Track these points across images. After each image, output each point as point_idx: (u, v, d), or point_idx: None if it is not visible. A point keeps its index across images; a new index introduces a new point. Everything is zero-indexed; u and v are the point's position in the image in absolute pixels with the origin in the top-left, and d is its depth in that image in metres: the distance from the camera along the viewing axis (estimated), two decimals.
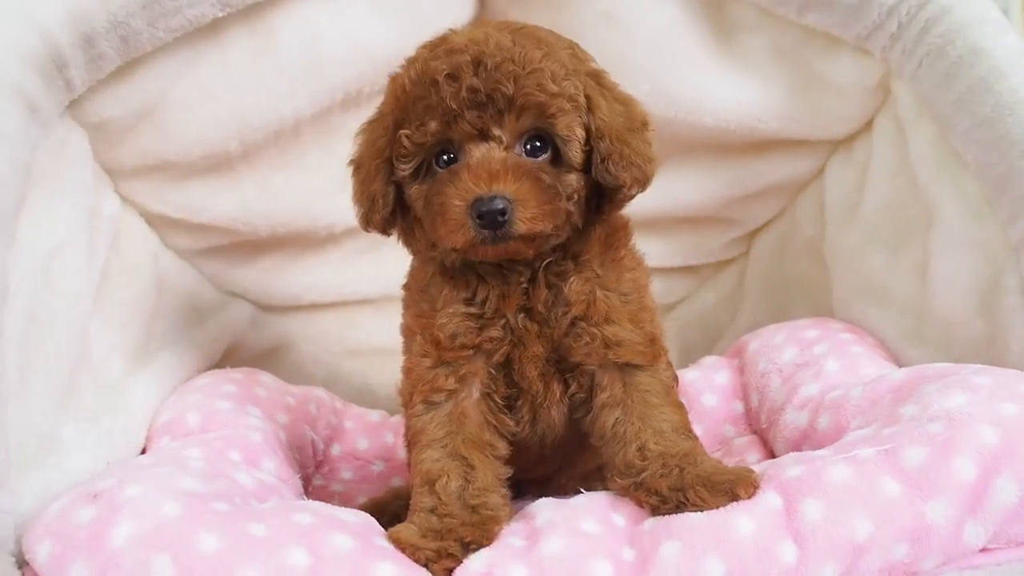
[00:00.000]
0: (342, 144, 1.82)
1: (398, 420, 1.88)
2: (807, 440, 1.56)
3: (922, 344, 1.69)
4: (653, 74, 1.84)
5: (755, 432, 1.77)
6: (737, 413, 1.82)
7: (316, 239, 1.97)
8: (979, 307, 1.59)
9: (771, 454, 1.68)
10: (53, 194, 1.45)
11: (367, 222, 1.32)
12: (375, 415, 1.95)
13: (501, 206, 1.17)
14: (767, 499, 1.18)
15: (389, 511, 1.52)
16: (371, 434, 1.88)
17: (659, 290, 2.17)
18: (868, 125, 1.87)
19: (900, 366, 1.70)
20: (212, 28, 1.65)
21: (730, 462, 1.67)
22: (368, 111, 1.82)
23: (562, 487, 1.58)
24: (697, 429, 1.78)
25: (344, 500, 1.69)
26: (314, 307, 2.07)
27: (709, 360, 1.92)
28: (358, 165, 1.34)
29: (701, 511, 1.18)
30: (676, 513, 1.19)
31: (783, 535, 1.13)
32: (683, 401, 1.74)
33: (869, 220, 1.83)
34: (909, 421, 1.25)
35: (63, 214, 1.47)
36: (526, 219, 1.18)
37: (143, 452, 1.54)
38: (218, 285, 1.97)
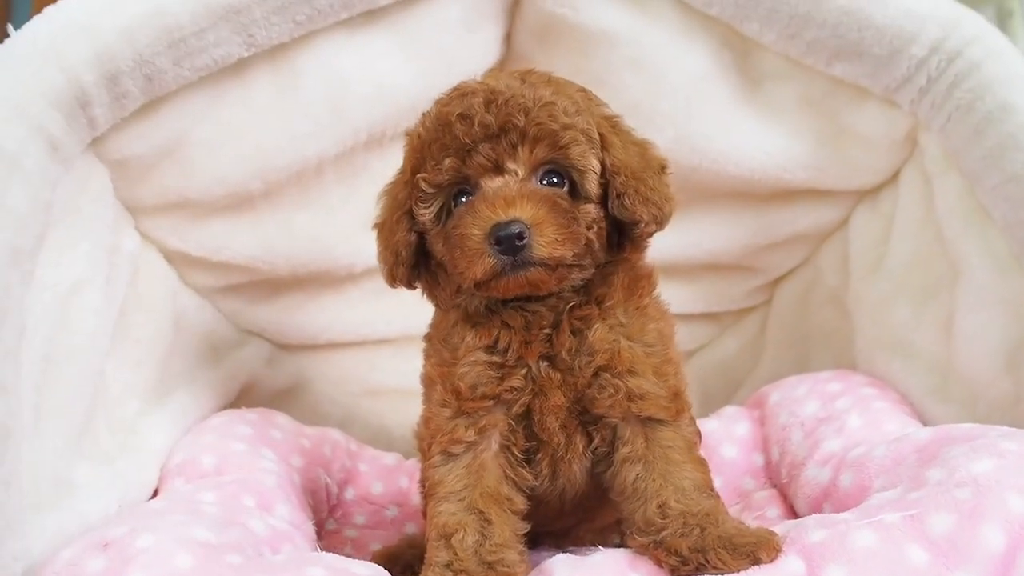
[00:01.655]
0: (364, 184, 1.85)
1: (413, 464, 1.86)
2: (828, 498, 1.54)
3: (947, 401, 1.66)
4: (678, 121, 1.83)
5: (775, 486, 1.74)
6: (757, 466, 1.79)
7: (336, 278, 1.96)
8: (1005, 366, 1.57)
9: (791, 509, 1.66)
10: (73, 231, 1.45)
11: (393, 277, 1.32)
12: (390, 458, 1.93)
13: (518, 229, 1.16)
14: (789, 564, 1.15)
15: (402, 561, 1.50)
16: (385, 478, 1.86)
17: (680, 336, 2.11)
18: (894, 176, 1.86)
19: (924, 423, 1.68)
20: (237, 67, 1.65)
21: (749, 516, 1.67)
22: (391, 152, 1.85)
23: (580, 539, 1.57)
24: (716, 481, 1.75)
25: (357, 546, 1.68)
26: (332, 346, 2.06)
27: (729, 410, 1.89)
28: (381, 225, 1.35)
29: (722, 574, 1.15)
30: (696, 574, 1.17)
31: None
32: (703, 452, 1.75)
33: (894, 273, 1.81)
34: (935, 486, 1.22)
35: (82, 252, 1.46)
36: (545, 243, 1.18)
37: (155, 493, 1.52)
38: (236, 323, 1.96)
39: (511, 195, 1.19)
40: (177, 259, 1.81)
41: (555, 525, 1.50)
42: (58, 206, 1.41)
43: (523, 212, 1.17)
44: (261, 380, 1.99)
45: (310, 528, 1.51)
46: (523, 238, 1.16)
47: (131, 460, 1.50)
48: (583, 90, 1.32)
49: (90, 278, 1.47)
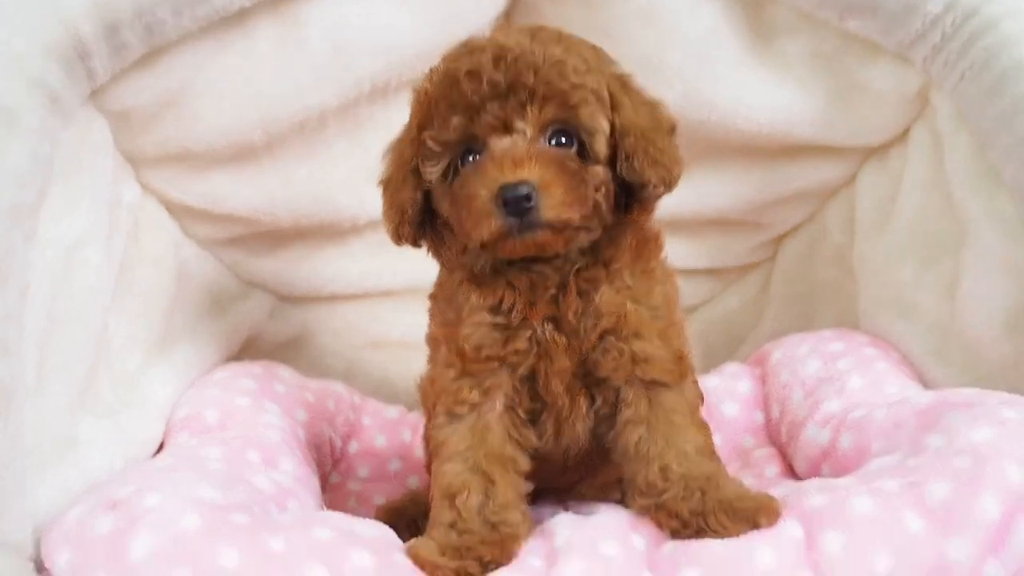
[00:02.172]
0: (368, 136, 1.84)
1: (416, 417, 1.88)
2: (827, 459, 1.55)
3: (947, 364, 1.67)
4: (687, 75, 1.81)
5: (774, 444, 1.76)
6: (757, 424, 1.81)
7: (339, 231, 1.95)
8: (1008, 329, 1.57)
9: (790, 468, 1.67)
10: (74, 187, 1.44)
11: (398, 235, 1.31)
12: (393, 411, 1.94)
13: (526, 191, 1.15)
14: (788, 529, 1.17)
15: (407, 516, 1.52)
16: (389, 431, 1.87)
17: (683, 292, 2.13)
18: (904, 134, 1.84)
19: (925, 385, 1.69)
20: (239, 17, 1.63)
21: (748, 475, 1.68)
22: (396, 104, 1.83)
23: (582, 495, 1.58)
24: (716, 438, 1.76)
25: (361, 500, 1.70)
26: (335, 299, 2.06)
27: (731, 367, 1.90)
28: (387, 183, 1.33)
29: (721, 538, 1.17)
30: (696, 538, 1.18)
31: (803, 567, 1.12)
32: (704, 411, 1.76)
33: (900, 232, 1.81)
34: (935, 453, 1.24)
35: (84, 207, 1.45)
36: (553, 205, 1.17)
37: (160, 447, 1.54)
38: (238, 275, 1.96)
39: (519, 156, 1.18)
40: (179, 211, 1.80)
41: (558, 482, 1.51)
42: (59, 161, 1.39)
43: (531, 173, 1.16)
44: (264, 332, 2.00)
45: (315, 483, 1.52)
46: (531, 200, 1.16)
47: (134, 415, 1.51)
48: (594, 48, 1.29)
49: (92, 234, 1.46)
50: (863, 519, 1.15)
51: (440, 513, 1.25)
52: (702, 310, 2.23)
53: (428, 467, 1.40)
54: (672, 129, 1.30)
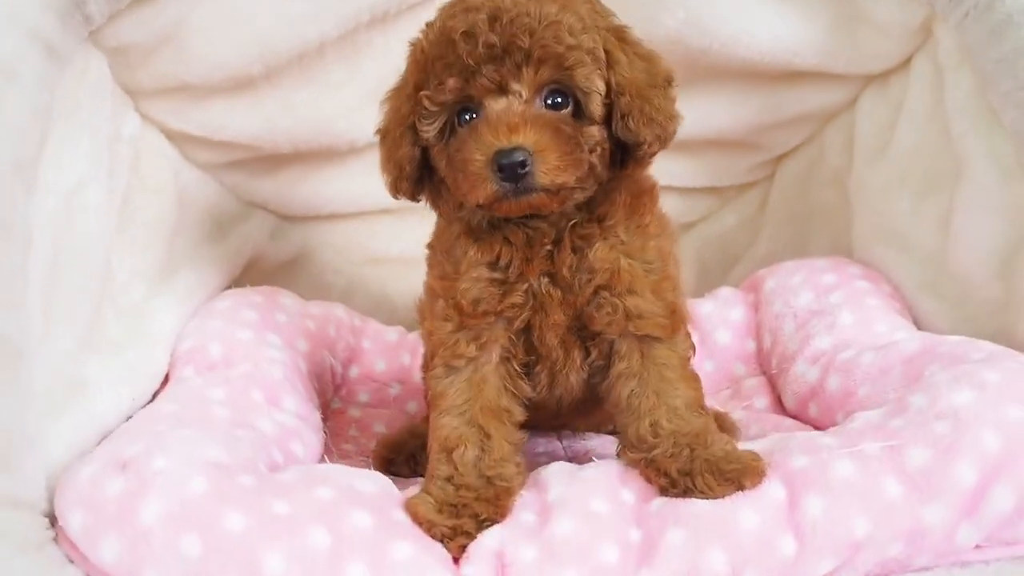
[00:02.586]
0: (367, 61, 1.82)
1: (414, 338, 1.91)
2: (815, 397, 1.61)
3: (937, 297, 1.70)
4: (689, 3, 1.78)
5: (765, 374, 1.81)
6: (749, 352, 1.85)
7: (338, 152, 1.95)
8: (998, 270, 1.59)
9: (778, 400, 1.73)
10: (73, 128, 1.43)
11: (396, 189, 1.32)
12: (393, 333, 1.97)
13: (521, 158, 1.16)
14: (771, 490, 1.22)
15: (405, 450, 1.58)
16: (388, 355, 1.91)
17: (681, 208, 2.18)
18: (906, 63, 1.82)
19: (914, 318, 1.72)
20: None
21: (738, 406, 1.74)
22: (394, 29, 1.81)
23: (575, 429, 1.64)
24: (708, 365, 1.84)
25: (361, 427, 1.75)
26: (334, 217, 2.07)
27: (725, 292, 1.93)
28: (384, 133, 1.33)
29: (708, 499, 1.22)
30: (684, 497, 1.23)
31: (784, 529, 1.18)
32: (697, 333, 1.80)
33: (898, 162, 1.81)
34: (916, 414, 1.28)
35: (83, 149, 1.45)
36: (548, 170, 1.18)
37: (166, 379, 1.58)
38: (239, 196, 1.97)
39: (514, 121, 1.18)
40: (178, 138, 1.79)
41: (552, 424, 1.57)
42: (57, 103, 1.38)
43: (526, 138, 1.17)
44: (265, 253, 2.02)
45: (316, 417, 1.57)
46: (525, 166, 1.16)
47: (140, 349, 1.54)
48: (591, 2, 1.27)
49: (92, 174, 1.47)
50: (843, 483, 1.20)
51: (438, 467, 1.30)
52: (700, 226, 2.25)
53: (426, 395, 1.44)
54: (669, 81, 1.29)
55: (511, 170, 1.16)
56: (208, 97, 1.74)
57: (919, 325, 1.71)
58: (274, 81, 1.77)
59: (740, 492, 1.22)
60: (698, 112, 1.94)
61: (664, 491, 1.26)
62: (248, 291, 1.79)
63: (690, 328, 1.78)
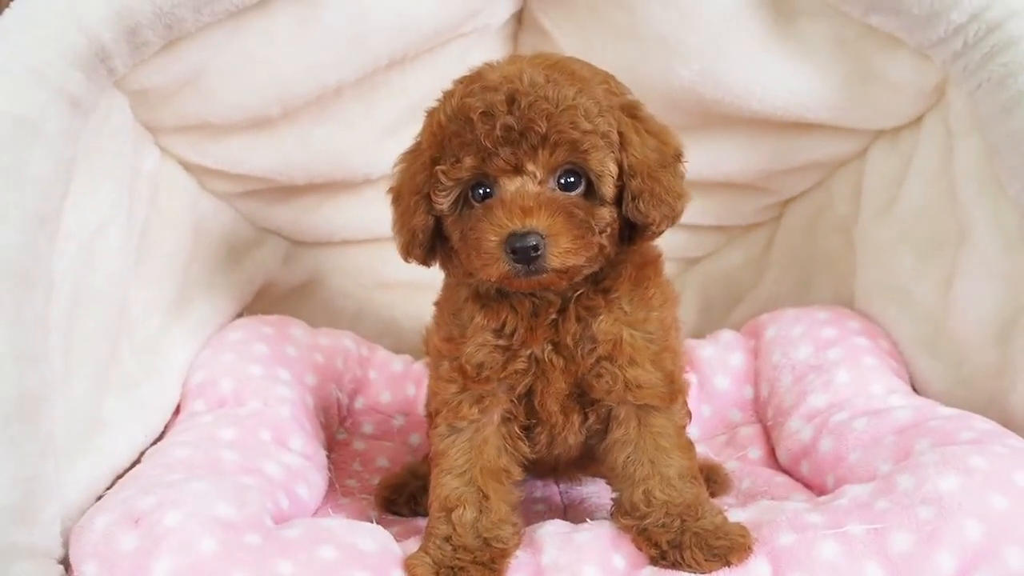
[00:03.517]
0: (384, 98, 1.86)
1: (420, 368, 1.95)
2: (807, 456, 1.65)
3: (935, 357, 1.73)
4: (705, 56, 1.79)
5: (760, 422, 1.85)
6: (746, 399, 1.89)
7: (353, 184, 1.98)
8: (995, 337, 1.62)
9: (772, 452, 1.77)
10: (95, 173, 1.47)
11: (407, 253, 1.35)
12: (399, 363, 2.01)
13: (534, 242, 1.19)
14: (757, 567, 1.25)
15: (406, 492, 1.62)
16: (394, 386, 1.95)
17: (686, 244, 2.22)
18: (918, 120, 1.83)
19: (910, 374, 1.76)
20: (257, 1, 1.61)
21: (732, 455, 1.78)
22: (412, 70, 1.83)
23: (573, 477, 1.68)
24: (706, 410, 1.88)
25: (364, 460, 1.80)
26: (347, 243, 2.11)
27: (726, 337, 1.96)
28: (397, 196, 1.36)
29: (695, 574, 1.26)
30: (672, 569, 1.28)
31: None
32: (696, 376, 1.84)
33: (903, 218, 1.84)
34: (902, 496, 1.31)
35: (105, 193, 1.49)
36: (559, 253, 1.21)
37: (177, 410, 1.63)
38: (254, 222, 2.01)
39: (528, 204, 1.21)
40: (196, 169, 1.83)
41: (550, 476, 1.61)
42: (81, 152, 1.42)
43: (539, 222, 1.20)
44: (277, 278, 2.05)
45: (322, 457, 1.63)
46: (538, 249, 1.20)
47: (153, 384, 1.59)
48: (606, 80, 1.30)
49: (112, 216, 1.51)
50: (827, 565, 1.24)
51: (437, 525, 1.34)
52: (704, 263, 2.28)
53: (428, 429, 1.48)
54: (678, 158, 1.32)
55: (524, 253, 1.20)
56: (227, 134, 1.78)
57: (915, 382, 1.75)
58: (292, 119, 1.80)
59: (726, 568, 1.26)
60: (708, 156, 1.99)
61: (654, 561, 1.30)
62: (259, 321, 1.83)
63: (690, 371, 1.84)
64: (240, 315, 1.88)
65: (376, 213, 2.03)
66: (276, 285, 2.06)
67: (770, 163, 2.00)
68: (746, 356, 1.92)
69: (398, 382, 1.96)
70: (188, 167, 1.82)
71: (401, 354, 2.05)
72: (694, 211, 2.08)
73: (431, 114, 1.31)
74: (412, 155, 1.36)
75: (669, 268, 1.58)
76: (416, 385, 1.94)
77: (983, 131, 1.63)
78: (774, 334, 1.87)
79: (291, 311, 1.95)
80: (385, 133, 1.83)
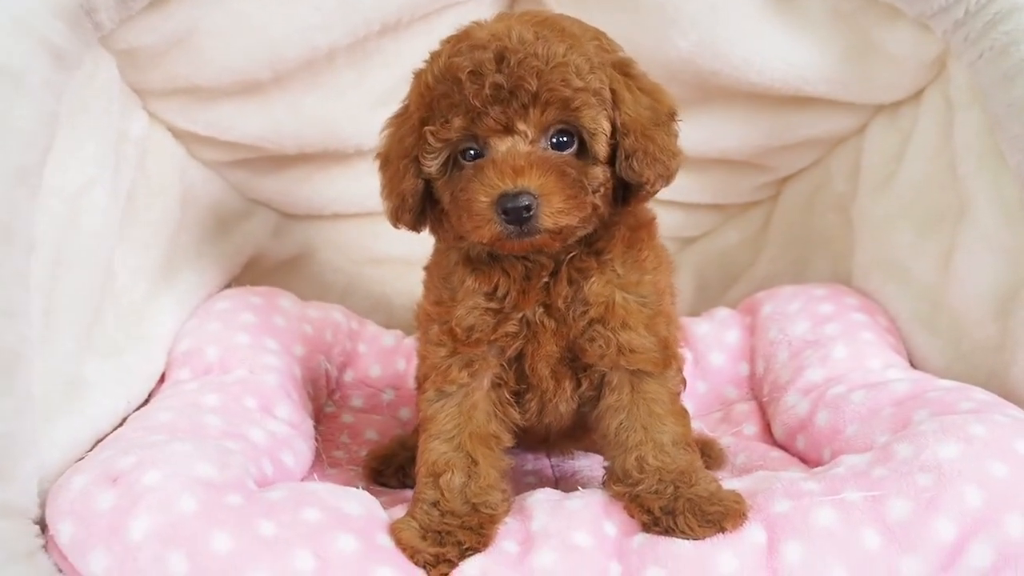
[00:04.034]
0: (377, 67, 1.83)
1: (411, 344, 1.92)
2: (803, 430, 1.62)
3: (933, 333, 1.70)
4: (703, 25, 1.77)
5: (756, 399, 1.82)
6: (742, 375, 1.86)
7: (344, 155, 1.95)
8: (995, 312, 1.60)
9: (768, 428, 1.74)
10: (80, 132, 1.44)
11: (396, 218, 1.32)
12: (389, 337, 1.98)
13: (526, 202, 1.17)
14: (752, 534, 1.23)
15: (395, 463, 1.60)
16: (384, 360, 1.92)
17: (683, 223, 2.19)
18: (918, 95, 1.81)
19: (908, 351, 1.73)
20: None
21: (727, 431, 1.75)
22: (406, 37, 1.80)
23: (565, 450, 1.65)
24: (701, 387, 1.86)
25: (353, 433, 1.77)
26: (338, 216, 2.08)
27: (722, 314, 1.94)
28: (385, 161, 1.34)
29: (688, 539, 1.23)
30: (665, 535, 1.25)
31: (762, 574, 1.19)
32: (692, 353, 1.81)
33: (902, 194, 1.81)
34: (900, 464, 1.28)
35: (89, 152, 1.46)
36: (552, 213, 1.18)
37: (162, 379, 1.60)
38: (243, 193, 1.98)
39: (520, 163, 1.18)
40: (185, 136, 1.80)
41: (541, 448, 1.58)
42: (64, 107, 1.39)
43: (532, 182, 1.17)
44: (267, 251, 2.03)
45: (309, 426, 1.60)
46: (531, 209, 1.17)
47: (139, 349, 1.56)
48: (597, 37, 1.27)
49: (97, 176, 1.48)
50: (823, 531, 1.21)
51: (424, 491, 1.31)
52: (701, 242, 2.25)
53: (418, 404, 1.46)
54: (672, 116, 1.29)
55: (516, 213, 1.17)
56: (217, 99, 1.75)
57: (913, 359, 1.72)
58: (283, 85, 1.77)
59: (721, 534, 1.23)
60: (705, 132, 1.96)
61: (646, 528, 1.27)
62: (247, 291, 1.80)
63: (685, 348, 1.81)
64: (228, 286, 1.86)
65: (367, 187, 1.99)
66: (265, 257, 2.03)
67: (768, 139, 1.97)
68: (742, 333, 1.89)
69: (388, 356, 1.93)
70: (177, 134, 1.78)
71: (392, 329, 2.01)
72: (691, 189, 2.10)
73: (418, 75, 1.28)
74: (400, 119, 1.34)
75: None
76: (407, 360, 1.90)
77: (984, 102, 1.60)
78: (771, 311, 1.84)
79: (280, 284, 1.92)
80: (377, 102, 1.80)
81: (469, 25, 1.26)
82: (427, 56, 1.27)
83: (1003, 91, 1.55)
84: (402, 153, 1.29)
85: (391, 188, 1.31)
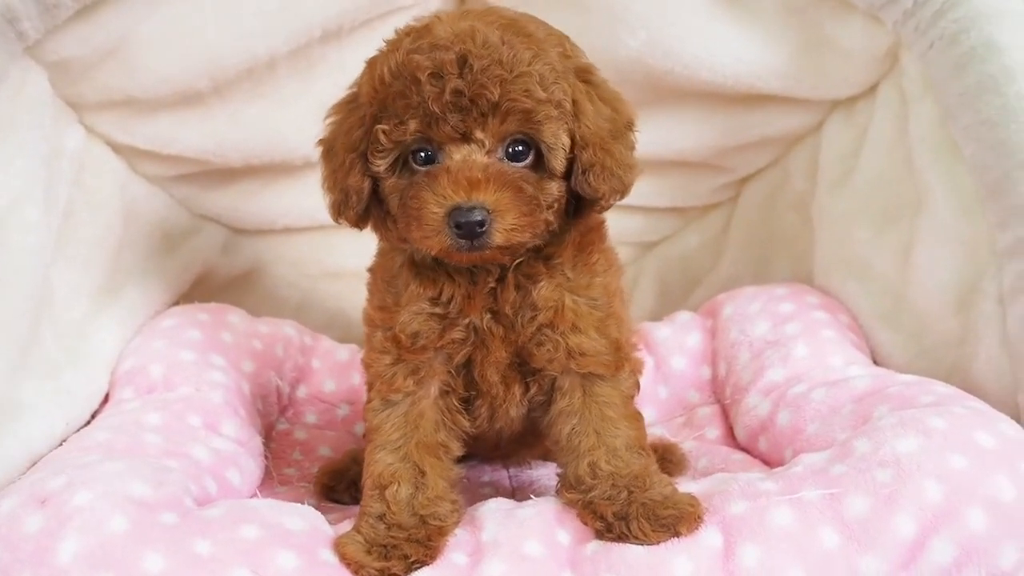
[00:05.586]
0: (321, 76, 1.80)
1: None
2: (765, 432, 1.59)
3: (895, 329, 1.68)
4: (652, 23, 1.75)
5: (719, 401, 1.79)
6: (704, 379, 1.83)
7: (292, 167, 1.92)
8: (955, 305, 1.58)
9: (731, 431, 1.71)
10: (8, 147, 1.41)
11: (338, 214, 1.27)
12: (344, 352, 1.94)
13: (479, 217, 1.13)
14: (708, 537, 1.19)
15: (347, 478, 1.56)
16: (338, 375, 1.88)
17: (643, 227, 2.17)
18: (872, 89, 1.80)
19: (871, 348, 1.71)
20: None
21: (689, 435, 1.72)
22: (349, 44, 1.77)
23: (521, 460, 1.62)
24: (663, 391, 1.83)
25: (305, 450, 1.73)
26: (289, 230, 2.04)
27: (683, 317, 1.91)
28: (329, 150, 1.29)
29: (642, 544, 1.20)
30: (619, 542, 1.21)
31: None
32: (653, 358, 1.78)
33: (860, 190, 1.79)
34: (859, 460, 1.25)
35: (18, 168, 1.42)
36: (504, 230, 1.15)
37: (105, 399, 1.55)
38: (190, 209, 1.94)
39: (476, 176, 1.14)
40: (125, 151, 1.76)
41: (494, 455, 1.54)
42: None
43: (487, 196, 1.14)
44: (216, 268, 1.98)
45: (257, 443, 1.55)
46: (483, 225, 1.13)
47: (79, 369, 1.52)
48: (561, 43, 1.23)
49: (27, 193, 1.44)
50: (780, 532, 1.18)
51: (370, 503, 1.27)
52: (662, 246, 2.22)
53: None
54: (630, 125, 1.27)
55: (468, 228, 1.13)
56: (155, 111, 1.71)
57: (876, 356, 1.70)
58: (224, 95, 1.74)
59: (675, 539, 1.20)
60: (661, 133, 1.93)
61: (600, 535, 1.23)
62: (195, 308, 1.75)
63: (645, 353, 1.78)
64: (177, 304, 1.81)
65: (318, 199, 1.95)
66: (215, 274, 1.99)
67: (724, 139, 1.95)
68: (703, 336, 1.86)
69: (343, 370, 1.88)
70: (116, 148, 1.74)
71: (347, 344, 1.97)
72: (649, 192, 2.07)
73: (372, 64, 1.23)
74: (347, 106, 1.29)
75: (625, 254, 1.51)
76: (361, 375, 1.86)
77: (936, 93, 1.59)
78: (731, 312, 1.81)
79: (232, 301, 1.87)
80: (323, 112, 1.76)
81: (430, 19, 1.21)
82: (382, 44, 1.22)
83: (954, 80, 1.54)
84: (349, 146, 1.24)
85: (334, 181, 1.27)
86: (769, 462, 1.56)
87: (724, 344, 1.78)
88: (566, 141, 1.19)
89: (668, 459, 1.56)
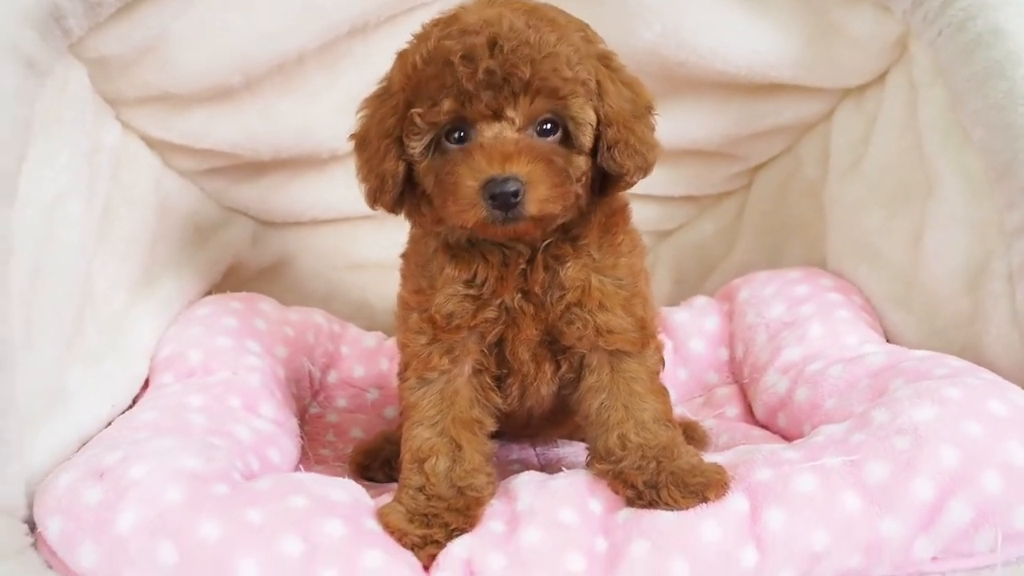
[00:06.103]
0: (348, 69, 1.85)
1: (393, 344, 1.93)
2: (783, 408, 1.64)
3: (907, 311, 1.73)
4: (666, 15, 1.80)
5: (737, 382, 1.84)
6: (722, 360, 1.88)
7: (320, 160, 1.97)
8: (966, 286, 1.62)
9: (749, 409, 1.76)
10: (53, 142, 1.45)
11: (375, 200, 1.33)
12: (371, 339, 1.99)
13: (514, 188, 1.18)
14: (734, 502, 1.24)
15: (381, 456, 1.61)
16: (367, 361, 1.93)
17: (658, 216, 2.21)
18: (882, 77, 1.84)
19: (884, 330, 1.75)
20: None
21: (709, 415, 1.77)
22: (375, 39, 1.82)
23: (549, 439, 1.67)
24: (682, 373, 1.88)
25: (338, 432, 1.78)
26: (316, 223, 2.09)
27: (700, 302, 1.96)
28: (363, 141, 1.34)
29: (672, 511, 1.25)
30: (649, 508, 1.26)
31: (746, 540, 1.20)
32: (672, 341, 1.83)
33: (871, 176, 1.84)
34: (877, 429, 1.30)
35: (63, 162, 1.47)
36: (537, 200, 1.20)
37: (146, 385, 1.61)
38: (220, 202, 1.99)
39: (509, 149, 1.20)
40: (159, 145, 1.81)
41: (524, 433, 1.60)
42: (37, 117, 1.40)
43: (520, 168, 1.19)
44: (246, 259, 2.03)
45: (293, 423, 1.60)
46: (518, 195, 1.18)
47: (120, 357, 1.57)
48: (582, 28, 1.30)
49: (72, 187, 1.49)
50: (804, 497, 1.23)
51: (409, 476, 1.32)
52: (677, 234, 2.27)
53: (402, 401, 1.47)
54: (650, 108, 1.32)
55: (503, 199, 1.18)
56: (189, 106, 1.76)
57: (889, 337, 1.74)
58: (255, 90, 1.79)
59: (704, 504, 1.25)
60: (675, 122, 1.98)
61: (631, 502, 1.28)
62: (228, 297, 1.81)
63: (664, 337, 1.83)
64: (209, 294, 1.87)
65: (345, 191, 2.03)
66: (245, 266, 2.04)
67: (737, 128, 2.00)
68: (720, 319, 1.91)
69: (371, 356, 1.94)
70: (151, 143, 1.80)
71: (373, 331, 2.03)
72: (664, 181, 2.13)
73: (403, 56, 1.29)
74: (379, 99, 1.34)
75: None
76: (389, 360, 1.92)
77: (945, 78, 1.63)
78: (747, 295, 1.87)
79: (261, 291, 1.92)
80: (350, 105, 1.79)
81: (456, 9, 1.27)
82: (411, 38, 1.28)
83: (963, 65, 1.58)
84: (383, 133, 1.29)
85: (370, 168, 1.32)
86: (788, 437, 1.60)
87: (741, 326, 1.84)
88: (592, 117, 1.25)
89: (690, 436, 1.61)
